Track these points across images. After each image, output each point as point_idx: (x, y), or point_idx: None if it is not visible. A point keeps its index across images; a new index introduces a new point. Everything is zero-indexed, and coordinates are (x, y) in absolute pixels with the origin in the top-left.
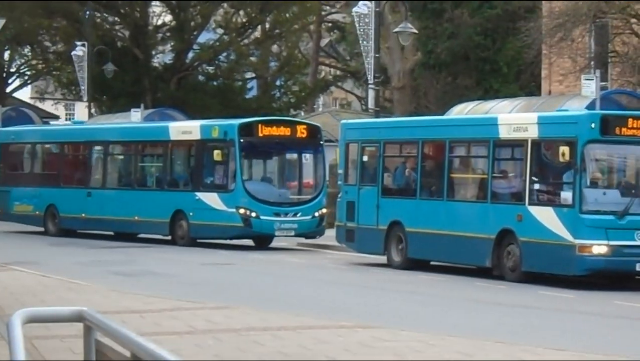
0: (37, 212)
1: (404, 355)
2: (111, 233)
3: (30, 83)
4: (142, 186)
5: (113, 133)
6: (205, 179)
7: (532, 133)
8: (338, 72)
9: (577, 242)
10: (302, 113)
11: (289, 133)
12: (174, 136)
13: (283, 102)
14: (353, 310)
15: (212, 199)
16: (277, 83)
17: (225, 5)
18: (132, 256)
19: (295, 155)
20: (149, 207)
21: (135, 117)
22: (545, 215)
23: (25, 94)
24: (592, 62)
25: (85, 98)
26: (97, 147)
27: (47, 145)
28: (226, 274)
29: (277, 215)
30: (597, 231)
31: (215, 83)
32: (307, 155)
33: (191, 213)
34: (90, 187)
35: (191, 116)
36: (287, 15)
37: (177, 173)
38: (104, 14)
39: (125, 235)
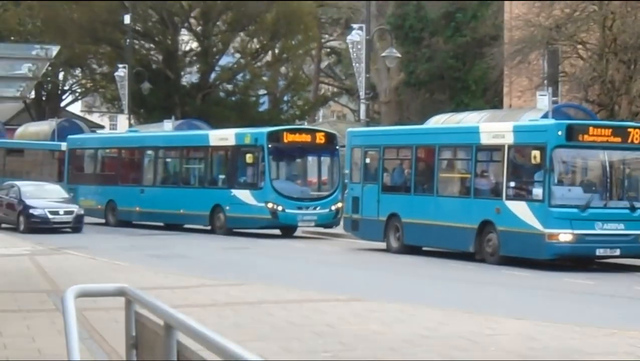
0: (99, 206)
1: (389, 323)
2: (161, 224)
3: (80, 99)
4: (187, 184)
5: (163, 140)
6: (239, 178)
7: (509, 139)
8: (335, 89)
9: (547, 231)
10: (306, 124)
11: (309, 140)
12: (213, 142)
13: (289, 114)
14: (350, 286)
15: (245, 195)
16: (285, 98)
17: (242, 34)
18: (165, 242)
19: (315, 158)
20: (192, 202)
21: (167, 127)
22: (520, 209)
23: (76, 108)
24: (545, 81)
25: (125, 111)
26: (149, 152)
27: (107, 150)
28: (242, 256)
29: (300, 208)
30: (563, 222)
31: (233, 98)
32: (325, 158)
33: (227, 207)
34: (143, 185)
35: (214, 126)
36: (293, 42)
37: (215, 173)
38: (141, 41)
39: (173, 225)
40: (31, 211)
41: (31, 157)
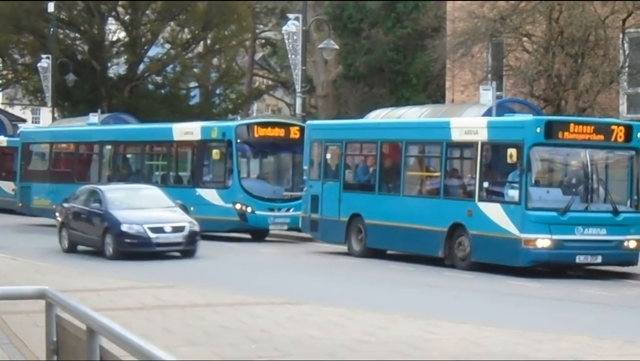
0: (54, 206)
1: (326, 327)
2: None
3: (1, 91)
4: (148, 182)
5: (123, 134)
6: (205, 176)
7: (482, 136)
8: (270, 82)
9: (523, 236)
10: (239, 118)
11: (282, 134)
12: (177, 137)
13: (222, 108)
14: (288, 289)
15: (211, 195)
16: (217, 91)
17: (172, 23)
18: None
19: (288, 155)
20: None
21: (93, 120)
22: (494, 211)
23: None
24: (489, 75)
25: (49, 104)
26: (108, 146)
27: (63, 145)
28: (177, 259)
29: (272, 210)
30: (541, 226)
31: (163, 91)
32: (299, 155)
33: (192, 208)
34: (102, 183)
35: (142, 120)
36: (226, 32)
37: (179, 170)
38: (66, 31)
39: None
40: (123, 228)
41: None
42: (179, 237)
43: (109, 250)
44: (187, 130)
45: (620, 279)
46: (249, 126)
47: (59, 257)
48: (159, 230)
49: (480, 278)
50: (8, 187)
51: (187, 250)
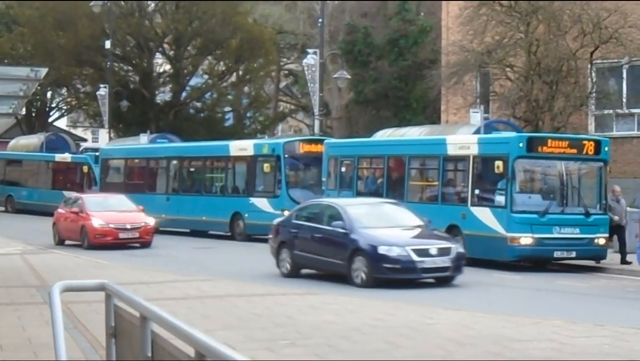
0: None
1: (341, 314)
2: (188, 230)
3: (65, 115)
4: (208, 192)
5: (187, 150)
6: (257, 187)
7: (473, 150)
8: (292, 107)
9: (509, 234)
10: (266, 137)
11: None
12: (233, 152)
13: (252, 129)
14: (309, 282)
15: (262, 203)
16: (248, 115)
17: (209, 57)
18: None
19: None
20: (213, 209)
21: (143, 140)
22: (484, 214)
23: (62, 123)
24: (478, 100)
25: (106, 126)
26: (175, 161)
27: (135, 160)
28: (208, 255)
29: None
30: (524, 226)
31: (202, 115)
32: None
33: (246, 215)
34: (169, 193)
35: (184, 139)
36: (255, 65)
37: (235, 182)
38: (120, 64)
39: (198, 232)
40: (381, 251)
41: (28, 167)
42: (446, 261)
43: (361, 276)
44: (241, 147)
45: (591, 272)
46: (295, 143)
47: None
48: (424, 252)
49: (472, 272)
50: None
51: (452, 275)
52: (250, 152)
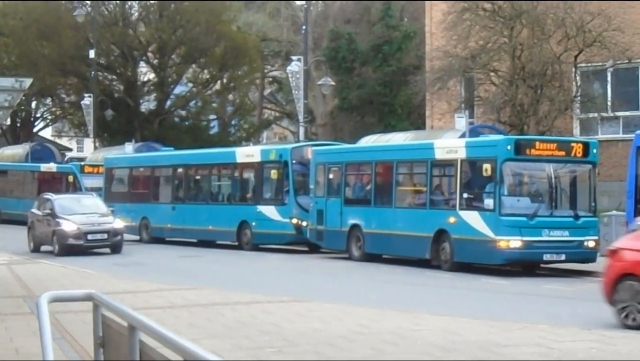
0: (134, 223)
1: (327, 321)
2: (194, 240)
3: (50, 125)
4: (215, 201)
5: (191, 158)
6: (265, 194)
7: (461, 154)
8: (277, 114)
9: (497, 238)
10: (251, 145)
11: None
12: (239, 159)
13: (237, 137)
14: (295, 289)
15: (270, 211)
16: (233, 122)
17: (194, 65)
18: (126, 251)
19: None
20: (220, 218)
21: (128, 149)
22: (472, 218)
23: (47, 133)
24: (463, 105)
25: (91, 136)
26: (180, 170)
27: (140, 169)
28: (193, 264)
29: None
30: (512, 229)
31: (187, 123)
32: None
33: (254, 223)
34: (174, 202)
35: (169, 147)
36: (239, 72)
37: (242, 190)
38: (105, 73)
39: (205, 242)
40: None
41: (14, 177)
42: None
43: None
44: (248, 153)
45: (580, 276)
46: (302, 148)
47: None
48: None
49: (460, 277)
50: None
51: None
52: (256, 158)
